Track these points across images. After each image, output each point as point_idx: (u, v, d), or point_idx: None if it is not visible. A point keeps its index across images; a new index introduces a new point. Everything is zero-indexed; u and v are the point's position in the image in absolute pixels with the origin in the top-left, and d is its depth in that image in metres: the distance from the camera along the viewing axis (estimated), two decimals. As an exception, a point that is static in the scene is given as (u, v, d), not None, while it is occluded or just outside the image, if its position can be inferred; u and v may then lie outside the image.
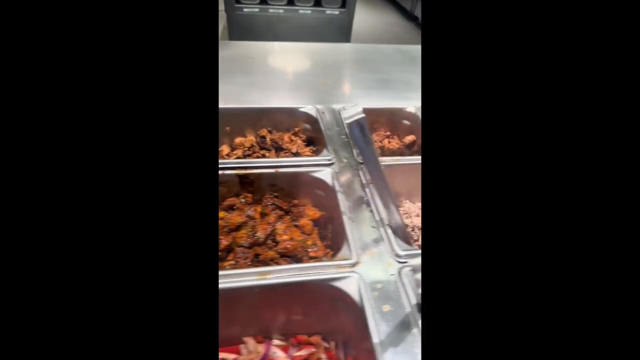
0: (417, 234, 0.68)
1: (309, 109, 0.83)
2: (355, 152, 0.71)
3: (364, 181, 0.64)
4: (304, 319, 0.53)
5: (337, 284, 0.48)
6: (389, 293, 0.47)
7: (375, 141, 0.86)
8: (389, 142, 0.85)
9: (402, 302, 0.46)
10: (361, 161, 0.67)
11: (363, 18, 3.83)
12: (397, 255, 0.52)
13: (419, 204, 0.74)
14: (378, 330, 0.43)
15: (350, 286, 0.47)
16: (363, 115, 0.44)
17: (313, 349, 0.53)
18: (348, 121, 0.44)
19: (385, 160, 0.70)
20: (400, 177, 0.72)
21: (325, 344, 0.54)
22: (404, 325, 0.44)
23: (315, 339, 0.55)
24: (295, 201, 0.67)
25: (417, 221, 0.68)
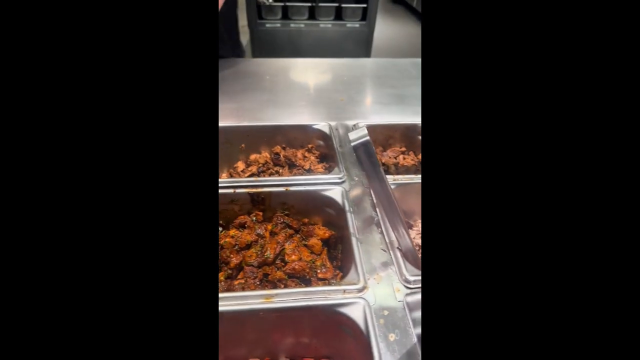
0: (431, 256, 0.65)
1: (323, 125, 0.83)
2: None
3: (375, 200, 0.63)
4: (310, 342, 0.52)
5: (343, 309, 0.47)
6: (395, 321, 0.45)
7: (390, 157, 0.85)
8: (404, 159, 0.83)
9: (409, 331, 0.44)
10: (367, 186, 0.66)
11: (384, 30, 3.83)
12: (406, 281, 0.50)
13: (434, 224, 0.71)
14: (383, 360, 0.41)
15: (355, 312, 0.46)
16: (368, 137, 0.43)
17: (319, 374, 0.52)
18: (353, 144, 0.44)
19: (399, 179, 0.69)
20: (415, 196, 0.71)
21: (333, 368, 0.53)
22: (410, 356, 0.42)
23: (322, 362, 0.54)
24: (306, 220, 0.67)
25: (431, 242, 0.66)
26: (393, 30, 4.02)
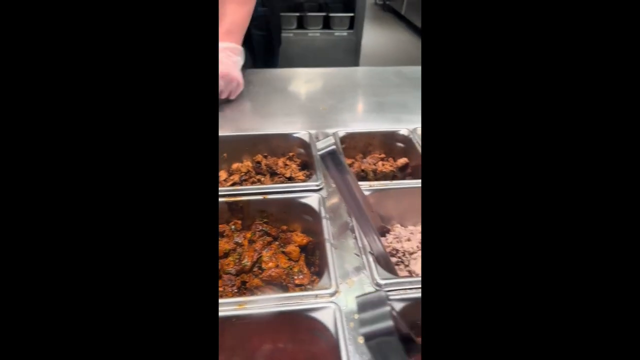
0: (407, 259, 0.67)
1: (303, 134, 0.85)
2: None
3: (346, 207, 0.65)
4: (286, 347, 0.53)
5: (315, 314, 0.48)
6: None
7: (370, 164, 0.87)
8: (383, 165, 0.85)
9: (378, 334, 0.45)
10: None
11: (374, 37, 3.89)
12: (377, 284, 0.51)
13: (411, 228, 0.73)
14: (351, 363, 0.42)
15: (326, 317, 0.47)
16: (334, 147, 0.45)
17: (295, 379, 0.53)
18: (320, 153, 0.45)
19: (374, 185, 0.71)
20: (392, 201, 0.72)
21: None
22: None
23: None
24: (285, 227, 0.68)
25: (407, 246, 0.68)
26: (382, 38, 4.08)
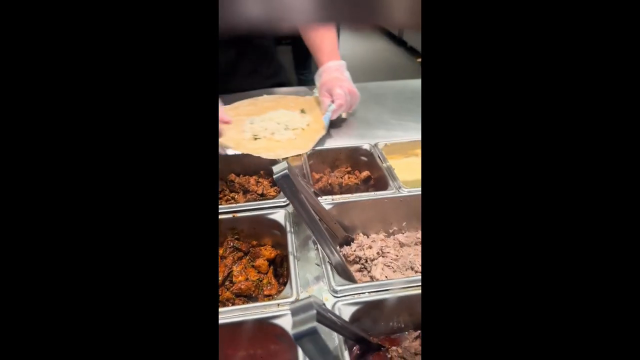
0: (369, 265, 0.73)
1: (271, 153, 0.91)
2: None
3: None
4: (255, 354, 0.58)
5: (277, 321, 0.53)
6: (321, 327, 0.52)
7: (337, 177, 0.93)
8: (349, 178, 0.92)
9: (333, 336, 0.51)
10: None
11: (352, 47, 4.00)
12: (334, 291, 0.57)
13: (373, 236, 0.79)
14: (307, 363, 0.48)
15: (286, 323, 0.53)
16: (286, 171, 0.51)
17: (265, 383, 0.58)
18: (275, 176, 0.51)
19: (337, 199, 0.77)
20: (356, 212, 0.79)
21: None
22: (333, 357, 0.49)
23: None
24: (255, 242, 0.74)
25: (369, 253, 0.74)
26: (362, 48, 4.19)
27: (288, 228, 0.69)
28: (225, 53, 1.16)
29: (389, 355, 0.58)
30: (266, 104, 1.13)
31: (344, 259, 0.75)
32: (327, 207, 0.75)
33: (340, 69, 1.08)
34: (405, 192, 0.78)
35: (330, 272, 0.60)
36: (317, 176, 0.93)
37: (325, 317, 0.37)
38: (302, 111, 1.08)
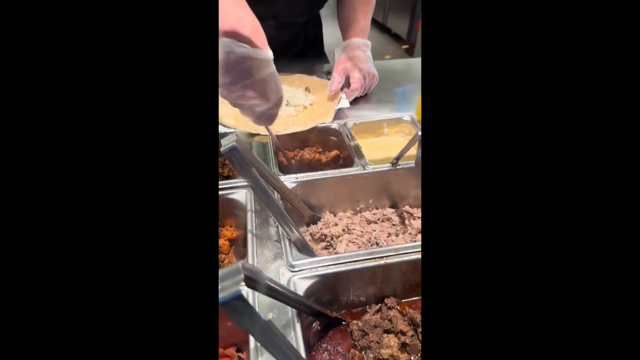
0: (335, 242, 0.72)
1: (238, 132, 0.89)
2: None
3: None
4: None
5: (231, 297, 0.52)
6: (275, 301, 0.51)
7: (308, 155, 0.91)
8: (319, 156, 0.91)
9: (287, 310, 0.50)
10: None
11: (335, 33, 3.94)
12: (290, 265, 0.56)
13: (340, 214, 0.78)
14: (259, 337, 0.47)
15: (240, 299, 0.52)
16: (234, 143, 0.49)
17: (227, 361, 0.57)
18: (222, 149, 0.50)
19: (301, 177, 0.75)
20: (322, 191, 0.78)
21: (240, 354, 0.58)
22: (284, 331, 0.48)
23: (230, 351, 0.60)
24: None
25: (334, 230, 0.73)
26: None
27: (249, 207, 0.68)
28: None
29: (350, 330, 0.58)
30: None
31: (310, 237, 0.74)
32: (291, 185, 0.74)
33: (364, 47, 1.05)
34: (370, 168, 0.77)
35: (288, 248, 0.59)
36: (290, 154, 0.91)
37: (263, 285, 0.36)
38: (307, 89, 1.05)
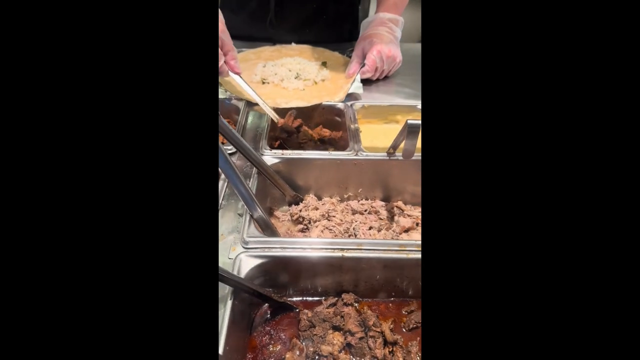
0: (311, 226, 0.68)
1: (235, 102, 0.86)
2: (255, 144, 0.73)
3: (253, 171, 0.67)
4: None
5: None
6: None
7: (315, 132, 0.86)
8: (324, 134, 0.85)
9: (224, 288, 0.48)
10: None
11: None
12: (244, 242, 0.53)
13: (325, 199, 0.74)
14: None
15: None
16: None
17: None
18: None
19: (287, 154, 0.72)
20: (309, 172, 0.73)
21: None
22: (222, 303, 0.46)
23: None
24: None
25: (313, 215, 0.69)
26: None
27: (223, 176, 0.66)
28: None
29: (298, 318, 0.54)
30: (289, 52, 1.05)
31: (290, 217, 0.71)
32: (274, 161, 0.70)
33: (389, 24, 0.94)
34: (362, 155, 0.71)
35: (246, 224, 0.56)
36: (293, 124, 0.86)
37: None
38: (323, 64, 0.99)
